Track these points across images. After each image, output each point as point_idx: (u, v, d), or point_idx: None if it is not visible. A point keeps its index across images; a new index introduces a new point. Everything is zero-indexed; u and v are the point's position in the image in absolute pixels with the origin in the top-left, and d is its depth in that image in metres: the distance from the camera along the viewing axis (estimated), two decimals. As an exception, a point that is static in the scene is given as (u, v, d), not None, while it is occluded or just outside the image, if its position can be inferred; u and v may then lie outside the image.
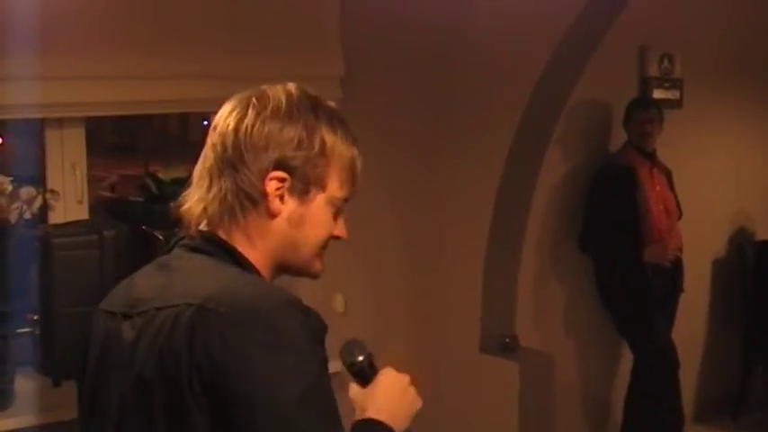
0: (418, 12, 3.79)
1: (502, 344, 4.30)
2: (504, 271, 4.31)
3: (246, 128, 1.37)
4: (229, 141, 1.38)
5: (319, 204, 1.40)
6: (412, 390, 1.48)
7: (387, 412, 1.42)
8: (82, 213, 3.29)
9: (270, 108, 1.38)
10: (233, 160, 1.37)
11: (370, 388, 1.46)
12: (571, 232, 4.58)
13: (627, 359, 4.72)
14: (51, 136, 3.27)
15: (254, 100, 1.40)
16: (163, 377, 1.26)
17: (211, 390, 1.22)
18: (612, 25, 4.09)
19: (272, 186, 1.37)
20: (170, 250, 1.43)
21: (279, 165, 1.37)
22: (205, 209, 1.38)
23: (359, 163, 1.44)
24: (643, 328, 4.56)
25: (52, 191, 3.27)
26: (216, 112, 1.44)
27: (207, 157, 1.41)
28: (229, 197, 1.37)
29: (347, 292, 3.68)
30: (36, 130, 3.29)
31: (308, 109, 1.39)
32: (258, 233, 1.38)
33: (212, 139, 1.41)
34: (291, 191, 1.38)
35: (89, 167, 3.38)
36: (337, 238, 1.45)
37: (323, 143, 1.38)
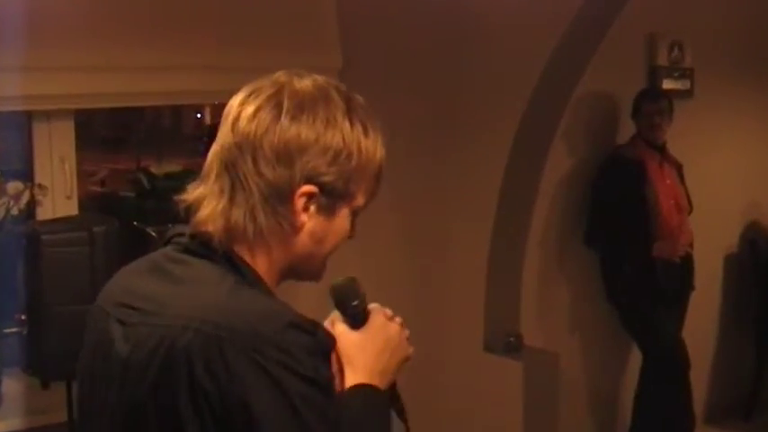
0: (419, 1, 3.79)
1: (506, 343, 4.31)
2: (508, 268, 4.31)
3: (278, 133, 1.31)
4: (257, 146, 1.31)
5: (343, 216, 1.38)
6: (403, 339, 1.50)
7: (377, 368, 1.44)
8: (71, 209, 3.30)
9: (305, 111, 1.32)
10: (260, 169, 1.31)
11: (360, 334, 1.46)
12: (577, 228, 4.59)
13: (635, 359, 4.73)
14: (39, 129, 3.27)
15: (285, 97, 1.33)
16: (158, 404, 1.25)
17: (223, 420, 1.21)
18: (619, 12, 4.09)
19: (300, 202, 1.33)
20: (166, 243, 1.40)
21: (310, 178, 1.32)
22: (228, 220, 1.32)
23: (383, 165, 1.39)
24: (652, 327, 4.57)
25: (40, 186, 3.27)
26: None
27: (226, 157, 1.34)
28: (257, 213, 1.32)
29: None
30: (23, 122, 3.30)
31: (344, 112, 1.34)
32: (278, 247, 1.35)
33: (232, 136, 1.33)
34: (319, 205, 1.34)
35: (78, 161, 3.39)
36: (348, 238, 1.44)
37: (359, 151, 1.34)
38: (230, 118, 1.35)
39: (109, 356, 1.34)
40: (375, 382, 1.44)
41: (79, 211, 3.34)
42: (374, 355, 1.45)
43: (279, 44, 3.39)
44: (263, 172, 1.31)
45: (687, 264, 4.62)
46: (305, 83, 1.35)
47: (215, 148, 1.37)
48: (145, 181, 4.26)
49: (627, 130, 4.64)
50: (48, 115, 3.27)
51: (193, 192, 1.37)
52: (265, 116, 1.32)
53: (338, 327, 1.48)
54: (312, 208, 1.34)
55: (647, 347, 4.61)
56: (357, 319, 1.48)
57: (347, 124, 1.34)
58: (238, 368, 1.21)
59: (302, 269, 1.41)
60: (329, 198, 1.35)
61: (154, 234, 2.42)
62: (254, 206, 1.32)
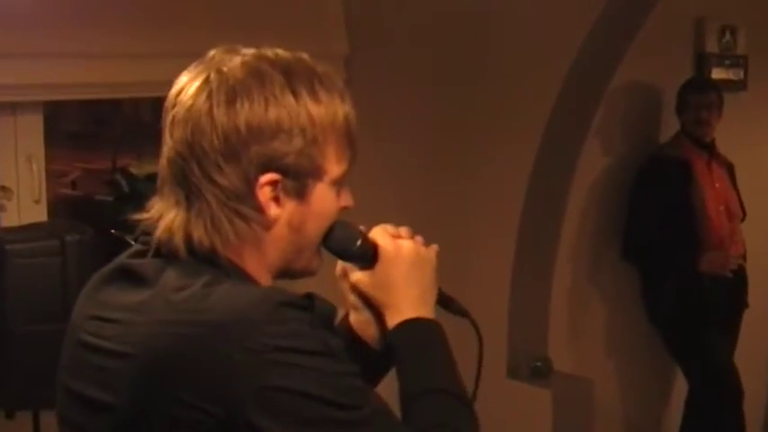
0: (434, -20, 3.81)
1: (532, 368, 4.31)
2: (534, 284, 4.31)
3: (216, 128, 1.33)
4: (198, 146, 1.34)
5: (321, 194, 1.40)
6: (420, 249, 1.53)
7: (415, 294, 1.49)
8: (40, 215, 3.31)
9: (238, 97, 1.33)
10: (208, 170, 1.34)
11: (379, 272, 1.50)
12: (613, 238, 4.59)
13: (680, 387, 4.72)
14: (3, 123, 3.29)
15: (214, 83, 1.35)
16: (147, 421, 1.28)
17: (241, 419, 1.24)
18: (663, -7, 4.10)
19: (264, 194, 1.35)
20: (135, 241, 1.43)
21: (267, 166, 1.34)
22: (189, 235, 1.35)
23: (353, 119, 1.41)
24: (699, 351, 4.56)
25: (3, 188, 3.28)
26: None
27: (173, 168, 1.37)
28: (219, 223, 1.34)
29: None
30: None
31: (282, 85, 1.35)
32: (256, 250, 1.38)
33: (171, 143, 1.36)
34: (286, 191, 1.37)
35: (47, 161, 3.40)
36: (344, 209, 1.46)
37: (311, 122, 1.36)
38: (167, 121, 1.38)
39: (85, 376, 1.37)
40: (420, 309, 1.48)
41: (48, 218, 3.35)
42: (404, 284, 1.50)
43: (278, 29, 3.40)
44: (213, 177, 1.34)
45: (739, 278, 4.62)
46: (233, 64, 1.37)
47: (161, 160, 1.40)
48: (123, 183, 4.27)
49: (671, 126, 4.64)
50: (12, 108, 3.28)
51: (152, 207, 1.40)
52: (197, 114, 1.34)
53: (353, 276, 1.53)
54: (281, 196, 1.37)
55: (693, 373, 4.61)
56: (367, 259, 1.51)
57: (290, 97, 1.35)
58: (236, 364, 1.23)
59: (294, 266, 1.43)
60: (296, 180, 1.37)
61: (133, 243, 2.43)
62: (213, 216, 1.34)
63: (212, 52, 1.41)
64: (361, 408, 1.29)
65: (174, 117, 1.37)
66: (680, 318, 4.55)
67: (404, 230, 1.55)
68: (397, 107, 3.79)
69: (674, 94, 4.58)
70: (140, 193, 4.00)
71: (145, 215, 1.40)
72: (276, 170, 1.35)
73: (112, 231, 2.55)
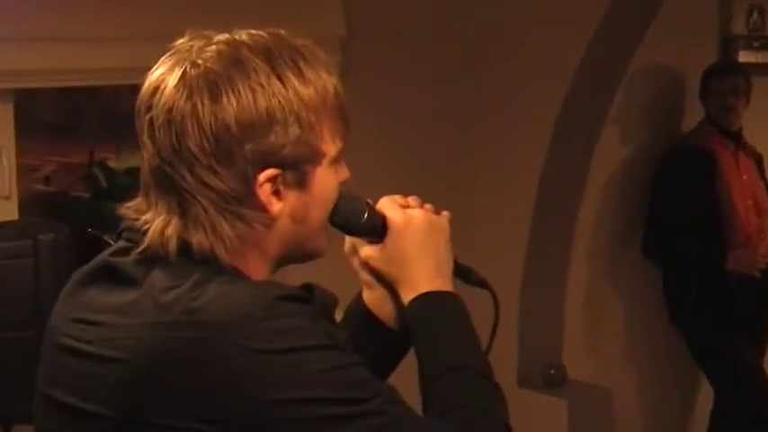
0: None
1: (546, 376, 4.31)
2: (547, 285, 4.31)
3: (204, 129, 1.31)
4: (187, 151, 1.32)
5: (321, 177, 1.40)
6: (431, 217, 1.53)
7: (431, 266, 1.49)
8: (10, 213, 3.31)
9: (223, 89, 1.32)
10: (201, 175, 1.33)
11: (389, 246, 1.51)
12: (632, 235, 4.58)
13: (705, 396, 4.72)
14: (-29, 114, 3.29)
15: (192, 80, 1.33)
16: (144, 427, 1.28)
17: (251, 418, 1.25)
18: (686, -30, 4.10)
19: (265, 191, 1.35)
20: (118, 237, 1.42)
21: (264, 162, 1.34)
22: (187, 243, 1.34)
23: (342, 91, 1.41)
24: (726, 357, 4.56)
25: (-28, 184, 3.28)
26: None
27: (157, 170, 1.35)
28: (220, 228, 1.34)
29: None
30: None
31: (267, 71, 1.34)
32: (259, 249, 1.39)
33: (153, 148, 1.35)
34: (287, 183, 1.37)
35: (19, 154, 3.40)
36: (343, 182, 1.46)
37: (304, 106, 1.35)
38: (143, 124, 1.36)
39: (66, 384, 1.36)
40: (436, 282, 1.49)
41: (20, 215, 3.35)
42: (417, 256, 1.50)
43: (267, 8, 3.39)
44: (208, 182, 1.33)
45: (769, 278, 4.61)
46: (208, 54, 1.35)
47: (143, 165, 1.38)
48: (101, 178, 4.27)
49: (694, 113, 4.63)
50: (-19, 97, 3.28)
51: (137, 206, 1.39)
52: (180, 117, 1.33)
53: (363, 251, 1.54)
54: (281, 189, 1.37)
55: (720, 381, 4.60)
56: (376, 232, 1.52)
57: (277, 83, 1.34)
58: (235, 369, 1.24)
59: (298, 254, 1.44)
60: (295, 170, 1.37)
61: (113, 243, 2.42)
62: (212, 222, 1.34)
63: (180, 41, 1.40)
64: (371, 399, 1.29)
65: (152, 121, 1.35)
66: (705, 320, 4.54)
67: (412, 200, 1.56)
68: (398, 94, 3.78)
69: (698, 78, 4.57)
70: (120, 188, 4.00)
71: (129, 213, 1.39)
72: (275, 164, 1.35)
73: (90, 230, 2.55)
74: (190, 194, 1.34)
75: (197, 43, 1.38)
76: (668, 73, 4.69)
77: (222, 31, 1.42)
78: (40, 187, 5.23)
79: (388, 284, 1.54)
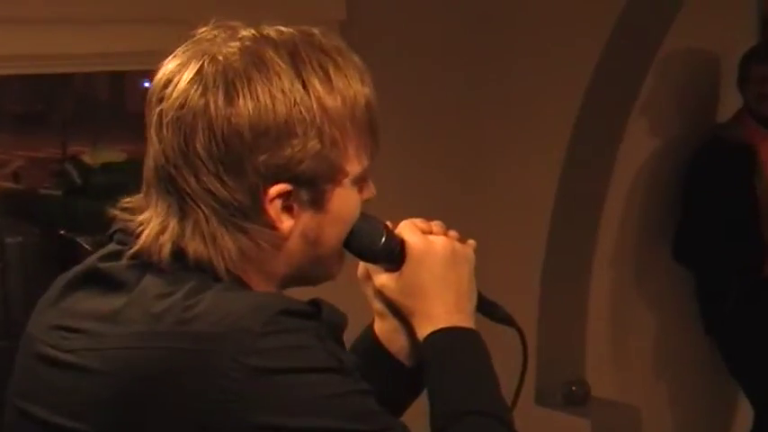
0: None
1: (566, 393, 4.31)
2: (568, 293, 4.31)
3: (215, 133, 1.32)
4: (194, 154, 1.33)
5: (340, 197, 1.40)
6: (455, 245, 1.53)
7: (450, 299, 1.49)
8: (-25, 213, 3.32)
9: (241, 90, 1.32)
10: (206, 182, 1.33)
11: (407, 275, 1.51)
12: (662, 236, 4.59)
13: (744, 413, 4.72)
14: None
15: (209, 76, 1.33)
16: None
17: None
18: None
19: (275, 207, 1.35)
20: (109, 239, 1.42)
21: (277, 176, 1.34)
22: (183, 250, 1.34)
23: (375, 105, 1.41)
24: (766, 371, 4.56)
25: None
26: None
27: (162, 174, 1.35)
28: (221, 240, 1.34)
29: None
30: None
31: (290, 74, 1.33)
32: (262, 266, 1.39)
33: (160, 145, 1.35)
34: (301, 201, 1.37)
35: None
36: (366, 201, 1.47)
37: (328, 118, 1.35)
38: (152, 118, 1.36)
39: (43, 397, 1.36)
40: (455, 317, 1.49)
41: (-14, 216, 3.35)
42: (436, 287, 1.50)
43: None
44: (212, 190, 1.33)
45: (813, 285, 4.61)
46: (229, 50, 1.35)
47: (147, 161, 1.38)
48: (74, 174, 4.27)
49: (731, 102, 4.63)
50: (-57, 85, 3.28)
51: (134, 205, 1.39)
52: (191, 115, 1.33)
53: (377, 278, 1.53)
54: (294, 206, 1.36)
55: (760, 398, 4.60)
56: (393, 259, 1.52)
57: (300, 90, 1.34)
58: (230, 388, 1.24)
59: (310, 276, 1.45)
60: (311, 188, 1.36)
61: (87, 246, 2.44)
62: (213, 233, 1.34)
63: (202, 31, 1.39)
64: (384, 430, 1.30)
65: (161, 115, 1.35)
66: (743, 330, 4.55)
67: (436, 225, 1.56)
68: (403, 85, 3.78)
69: (736, 63, 4.57)
70: (95, 186, 4.01)
71: (123, 214, 1.39)
72: (288, 180, 1.34)
73: (62, 232, 2.56)
74: (192, 200, 1.34)
75: (220, 35, 1.38)
76: (702, 57, 4.69)
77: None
78: (7, 184, 5.25)
79: (403, 317, 1.54)
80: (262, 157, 1.32)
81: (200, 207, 1.34)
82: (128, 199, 1.41)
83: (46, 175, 5.09)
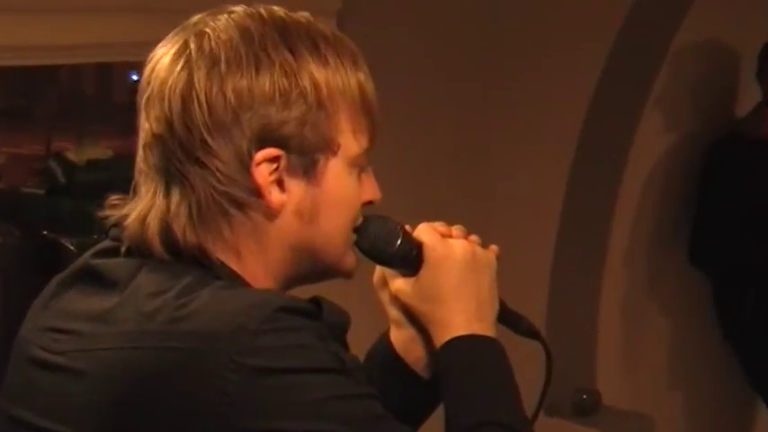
0: None
1: (577, 402, 4.31)
2: (578, 298, 4.31)
3: (199, 99, 1.35)
4: (179, 122, 1.35)
5: (336, 173, 1.41)
6: (476, 249, 1.53)
7: (470, 307, 1.49)
8: (-46, 212, 3.32)
9: (223, 56, 1.35)
10: (193, 150, 1.35)
11: (424, 280, 1.51)
12: (677, 238, 4.59)
13: (763, 425, 4.72)
14: None
15: (192, 47, 1.37)
16: None
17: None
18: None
19: (262, 173, 1.36)
20: (106, 234, 1.43)
21: (264, 139, 1.36)
22: (169, 227, 1.36)
23: (370, 89, 1.44)
24: (788, 381, 4.57)
25: None
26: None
27: (149, 149, 1.39)
28: (203, 207, 1.36)
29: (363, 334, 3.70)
30: None
31: (278, 41, 1.37)
32: (256, 246, 1.40)
33: (150, 118, 1.38)
34: (292, 170, 1.38)
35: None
36: (370, 203, 1.47)
37: (315, 85, 1.37)
38: (142, 103, 1.40)
39: (34, 401, 1.37)
40: (475, 325, 1.49)
41: (-35, 216, 3.35)
42: (456, 294, 1.50)
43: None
44: (199, 157, 1.35)
45: (838, 289, 4.61)
46: (216, 24, 1.38)
47: (138, 150, 1.41)
48: (58, 172, 4.28)
49: (750, 96, 4.63)
50: None
51: (126, 201, 1.40)
52: (174, 86, 1.36)
53: (394, 284, 1.53)
54: (284, 177, 1.38)
55: (780, 409, 4.61)
56: (410, 263, 1.51)
57: (287, 54, 1.37)
58: (225, 390, 1.24)
59: (312, 267, 1.44)
60: (301, 155, 1.38)
61: (72, 247, 2.45)
62: (199, 202, 1.36)
63: (195, 17, 1.42)
64: None
65: (149, 97, 1.39)
66: (762, 338, 4.55)
67: (456, 229, 1.56)
68: (403, 78, 3.78)
69: (755, 55, 4.57)
70: (79, 184, 4.01)
71: (116, 210, 1.41)
72: (275, 143, 1.36)
73: (45, 233, 2.56)
74: (179, 172, 1.36)
75: (208, 17, 1.41)
76: (719, 49, 4.69)
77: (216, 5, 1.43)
78: (-12, 183, 5.25)
79: (420, 325, 1.54)
80: (245, 117, 1.35)
81: (186, 179, 1.36)
82: (117, 196, 1.42)
83: (28, 173, 5.10)
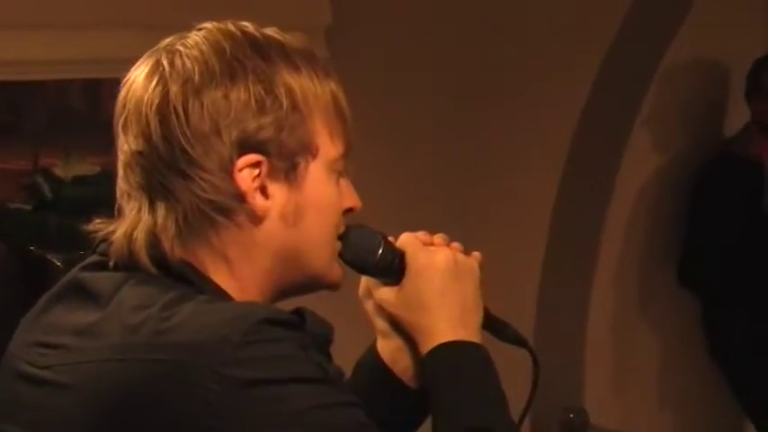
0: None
1: (564, 421, 4.31)
2: (566, 314, 4.31)
3: (176, 112, 1.36)
4: (158, 137, 1.37)
5: (316, 177, 1.43)
6: (459, 257, 1.54)
7: (453, 314, 1.50)
8: (-60, 228, 3.31)
9: (197, 71, 1.38)
10: (175, 162, 1.37)
11: (407, 289, 1.52)
12: (667, 257, 4.59)
13: (752, 446, 4.73)
14: None
15: (165, 63, 1.39)
16: None
17: None
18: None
19: (245, 179, 1.38)
20: (94, 250, 1.44)
21: (243, 146, 1.37)
22: (157, 241, 1.37)
23: (342, 98, 1.45)
24: (777, 401, 4.57)
25: None
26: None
27: (129, 168, 1.40)
28: (190, 217, 1.37)
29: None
30: None
31: (249, 52, 1.40)
32: (244, 253, 1.41)
33: (129, 138, 1.40)
34: (274, 175, 1.40)
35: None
36: (350, 210, 1.49)
37: (289, 90, 1.39)
38: (119, 126, 1.42)
39: (21, 417, 1.38)
40: (460, 332, 1.49)
41: (-49, 231, 3.35)
42: (439, 302, 1.51)
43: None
44: (181, 167, 1.37)
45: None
46: (188, 41, 1.41)
47: (119, 172, 1.42)
48: (45, 187, 4.27)
49: (739, 115, 4.65)
50: None
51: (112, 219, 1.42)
52: (150, 103, 1.38)
53: (378, 293, 1.54)
54: (267, 183, 1.39)
55: (768, 430, 4.61)
56: (393, 273, 1.53)
57: (260, 62, 1.39)
58: (208, 401, 1.25)
59: (299, 275, 1.45)
60: (282, 159, 1.40)
61: (58, 263, 2.44)
62: (186, 214, 1.37)
63: (165, 40, 1.44)
64: None
65: (126, 118, 1.40)
66: (754, 359, 4.55)
67: (439, 237, 1.57)
68: (392, 93, 3.79)
69: (743, 74, 4.58)
70: (66, 200, 4.00)
71: (103, 226, 1.42)
72: (255, 149, 1.38)
73: (31, 248, 2.55)
74: (162, 186, 1.37)
75: (179, 38, 1.43)
76: (708, 67, 4.71)
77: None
78: (-26, 198, 5.24)
79: (406, 334, 1.55)
80: (223, 125, 1.37)
81: (170, 192, 1.37)
82: (101, 220, 1.43)
83: (15, 188, 5.09)
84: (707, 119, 4.75)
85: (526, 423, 4.46)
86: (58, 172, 4.51)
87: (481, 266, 1.58)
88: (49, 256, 2.60)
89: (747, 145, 4.56)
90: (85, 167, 4.64)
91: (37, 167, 5.31)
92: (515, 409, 1.54)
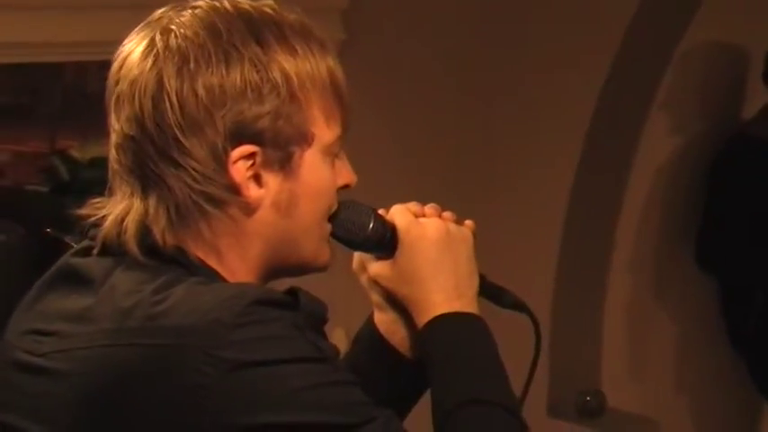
0: None
1: (581, 404, 4.31)
2: (583, 301, 4.31)
3: (170, 97, 1.36)
4: (151, 123, 1.36)
5: (311, 164, 1.42)
6: (450, 227, 1.54)
7: (448, 284, 1.50)
8: (-43, 210, 3.32)
9: (192, 53, 1.36)
10: (167, 150, 1.36)
11: (401, 262, 1.52)
12: (685, 240, 4.59)
13: (769, 430, 4.72)
14: None
15: (159, 45, 1.38)
16: None
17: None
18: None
19: (239, 171, 1.38)
20: (84, 236, 1.45)
21: (238, 135, 1.37)
22: (148, 230, 1.37)
23: (339, 73, 1.44)
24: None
25: None
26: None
27: (121, 150, 1.40)
28: (182, 208, 1.37)
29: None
30: None
31: (245, 33, 1.38)
32: (235, 242, 1.41)
33: (121, 119, 1.40)
34: (268, 165, 1.39)
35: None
36: (346, 186, 1.49)
37: (286, 77, 1.38)
38: (111, 102, 1.42)
39: (18, 405, 1.39)
40: (455, 303, 1.50)
41: (-32, 213, 3.36)
42: (432, 273, 1.51)
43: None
44: (174, 156, 1.36)
45: None
46: (181, 20, 1.40)
47: (110, 151, 1.43)
48: (62, 169, 4.28)
49: (757, 97, 4.63)
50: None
51: (99, 204, 1.42)
52: (144, 85, 1.37)
53: (371, 268, 1.55)
54: (261, 172, 1.39)
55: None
56: (385, 246, 1.53)
57: (255, 47, 1.38)
58: (203, 384, 1.26)
59: (291, 259, 1.46)
60: (277, 149, 1.39)
61: (75, 245, 2.45)
62: (177, 204, 1.37)
63: (158, 12, 1.44)
64: (364, 424, 1.31)
65: (118, 96, 1.40)
66: (772, 344, 4.55)
67: (430, 208, 1.58)
68: (409, 77, 3.79)
69: (762, 56, 4.57)
70: (83, 182, 4.02)
71: (95, 210, 1.42)
72: (250, 140, 1.38)
73: (48, 230, 2.56)
74: (154, 173, 1.37)
75: (172, 12, 1.42)
76: (725, 50, 4.69)
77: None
78: (-8, 181, 5.25)
79: (402, 306, 1.55)
80: (218, 115, 1.36)
81: (162, 180, 1.37)
82: (97, 199, 1.44)
83: (32, 171, 5.10)
84: (724, 102, 4.74)
85: (543, 405, 4.50)
86: (75, 154, 4.53)
87: (475, 234, 1.57)
88: (65, 238, 2.61)
89: (765, 126, 4.55)
90: (102, 149, 4.65)
91: (54, 149, 5.32)
92: (519, 380, 1.54)
